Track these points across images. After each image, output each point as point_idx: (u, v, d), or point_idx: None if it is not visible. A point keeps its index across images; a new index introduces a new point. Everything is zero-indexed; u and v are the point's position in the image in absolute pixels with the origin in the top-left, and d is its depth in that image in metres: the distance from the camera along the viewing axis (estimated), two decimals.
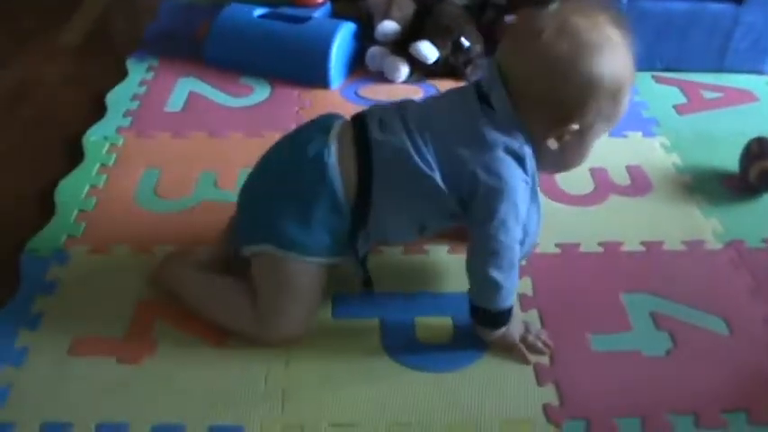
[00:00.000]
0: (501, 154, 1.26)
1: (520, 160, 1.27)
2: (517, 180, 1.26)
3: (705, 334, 1.39)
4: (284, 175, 1.33)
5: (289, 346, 1.33)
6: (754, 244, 1.59)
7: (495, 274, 1.27)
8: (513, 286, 1.30)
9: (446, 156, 1.27)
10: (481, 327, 1.34)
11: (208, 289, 1.38)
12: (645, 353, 1.35)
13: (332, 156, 1.29)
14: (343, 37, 2.10)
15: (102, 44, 2.39)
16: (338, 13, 2.26)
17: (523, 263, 1.45)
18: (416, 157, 1.26)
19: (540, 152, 1.30)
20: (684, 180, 1.78)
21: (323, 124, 1.35)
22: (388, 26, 2.11)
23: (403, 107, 1.34)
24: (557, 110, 1.25)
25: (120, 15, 2.59)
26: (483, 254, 1.28)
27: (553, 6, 1.26)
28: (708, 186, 1.76)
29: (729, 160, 1.80)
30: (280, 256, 1.30)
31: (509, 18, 2.14)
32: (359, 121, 1.34)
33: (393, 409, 1.25)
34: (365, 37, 2.18)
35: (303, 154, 1.31)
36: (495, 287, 1.28)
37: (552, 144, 1.28)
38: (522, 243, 1.30)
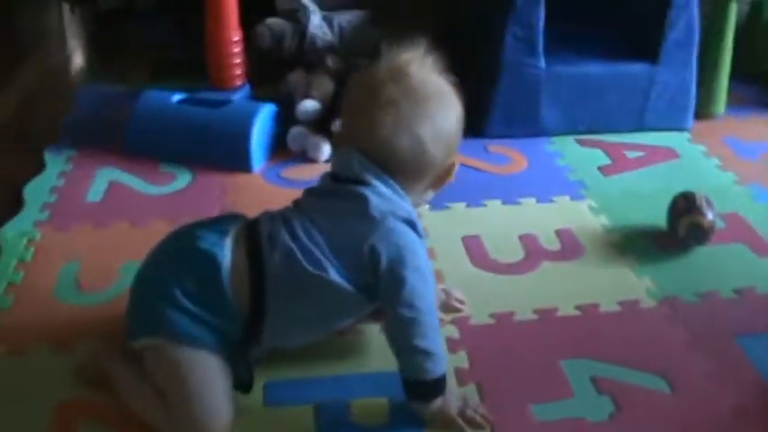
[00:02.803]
0: (393, 223, 1.27)
1: (411, 225, 1.29)
2: (415, 244, 1.28)
3: (647, 394, 1.37)
4: (177, 273, 1.29)
5: None
6: (687, 298, 1.59)
7: (420, 342, 1.24)
8: (442, 349, 1.28)
9: (341, 244, 1.27)
10: (417, 402, 1.29)
11: (130, 385, 1.32)
12: (589, 419, 1.32)
13: (226, 267, 1.27)
14: (263, 119, 2.07)
15: (17, 137, 2.33)
16: (258, 95, 2.24)
17: None
18: (305, 262, 1.25)
19: (415, 200, 1.34)
20: (614, 240, 1.78)
21: (219, 228, 1.32)
22: (309, 105, 2.10)
23: (287, 217, 1.31)
24: (437, 171, 1.32)
25: (37, 105, 2.53)
26: (403, 326, 1.26)
27: (378, 66, 1.31)
28: (638, 245, 1.76)
29: (657, 217, 1.81)
30: (171, 347, 1.26)
31: None
32: (251, 238, 1.30)
33: None
34: (286, 118, 2.15)
35: (198, 256, 1.28)
36: (425, 355, 1.25)
37: (431, 195, 1.37)
38: None
